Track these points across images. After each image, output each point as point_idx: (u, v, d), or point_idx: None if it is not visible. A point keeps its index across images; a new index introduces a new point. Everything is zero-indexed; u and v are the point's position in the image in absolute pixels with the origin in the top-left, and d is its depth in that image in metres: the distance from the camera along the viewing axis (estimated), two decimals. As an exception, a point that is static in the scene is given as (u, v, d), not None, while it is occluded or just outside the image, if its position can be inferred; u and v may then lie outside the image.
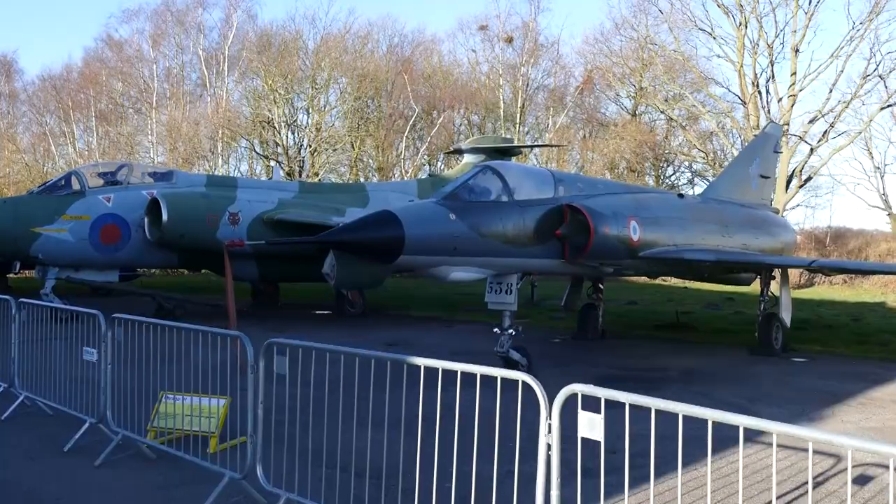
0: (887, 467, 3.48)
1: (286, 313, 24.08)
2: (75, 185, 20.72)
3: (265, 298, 26.49)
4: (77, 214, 20.24)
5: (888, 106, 43.73)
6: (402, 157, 56.21)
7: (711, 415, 3.78)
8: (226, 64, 55.35)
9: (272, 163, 53.90)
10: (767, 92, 43.68)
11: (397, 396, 5.53)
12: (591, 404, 4.34)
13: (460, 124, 59.32)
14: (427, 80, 58.05)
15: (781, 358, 15.86)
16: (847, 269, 20.61)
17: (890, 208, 60.06)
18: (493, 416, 4.86)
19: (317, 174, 52.70)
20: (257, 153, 56.78)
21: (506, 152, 29.81)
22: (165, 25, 56.91)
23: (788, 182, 42.41)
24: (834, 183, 68.57)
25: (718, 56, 47.19)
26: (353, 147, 54.58)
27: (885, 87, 42.66)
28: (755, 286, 22.09)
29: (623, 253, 13.98)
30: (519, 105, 55.92)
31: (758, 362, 15.31)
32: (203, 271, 28.54)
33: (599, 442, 4.20)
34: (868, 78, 41.89)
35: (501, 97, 56.21)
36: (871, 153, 60.19)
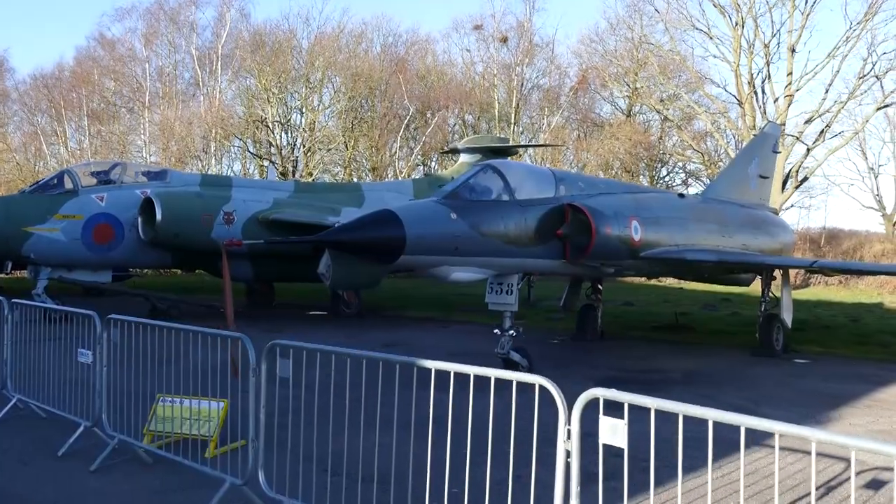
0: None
1: (281, 313, 23.87)
2: (68, 184, 20.48)
3: (259, 298, 26.27)
4: (70, 214, 20.00)
5: (885, 106, 43.74)
6: (397, 157, 55.98)
7: (744, 421, 3.60)
8: (219, 63, 55.04)
9: (265, 162, 53.61)
10: (763, 92, 43.71)
11: (406, 400, 5.34)
12: (607, 408, 4.18)
13: (454, 124, 59.15)
14: (421, 80, 57.86)
15: (783, 359, 15.74)
16: (848, 270, 20.53)
17: (884, 209, 60.17)
18: (507, 420, 4.69)
19: (310, 174, 52.46)
20: (251, 153, 56.49)
21: (502, 152, 29.64)
22: (158, 24, 56.58)
23: (784, 182, 42.34)
24: (828, 183, 68.41)
25: (714, 56, 47.28)
26: (346, 147, 54.35)
27: (882, 87, 42.73)
28: (753, 287, 22.11)
29: (624, 253, 13.83)
30: (513, 105, 55.74)
31: (759, 363, 15.19)
32: (197, 271, 28.27)
33: (623, 448, 4.02)
34: (864, 78, 41.88)
35: (496, 97, 56.03)
36: (864, 154, 60.35)
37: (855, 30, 40.86)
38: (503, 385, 4.82)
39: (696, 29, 44.78)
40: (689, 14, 44.82)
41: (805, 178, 44.44)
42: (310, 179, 49.19)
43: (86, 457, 7.81)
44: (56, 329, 9.42)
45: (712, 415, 3.73)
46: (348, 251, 11.24)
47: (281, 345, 5.99)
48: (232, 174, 52.52)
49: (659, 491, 6.28)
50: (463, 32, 62.15)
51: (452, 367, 4.95)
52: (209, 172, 47.06)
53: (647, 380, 13.23)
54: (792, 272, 18.79)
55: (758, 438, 7.65)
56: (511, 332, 12.55)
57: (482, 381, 4.92)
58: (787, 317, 16.04)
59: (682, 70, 50.73)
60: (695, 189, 52.61)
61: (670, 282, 34.08)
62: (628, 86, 55.51)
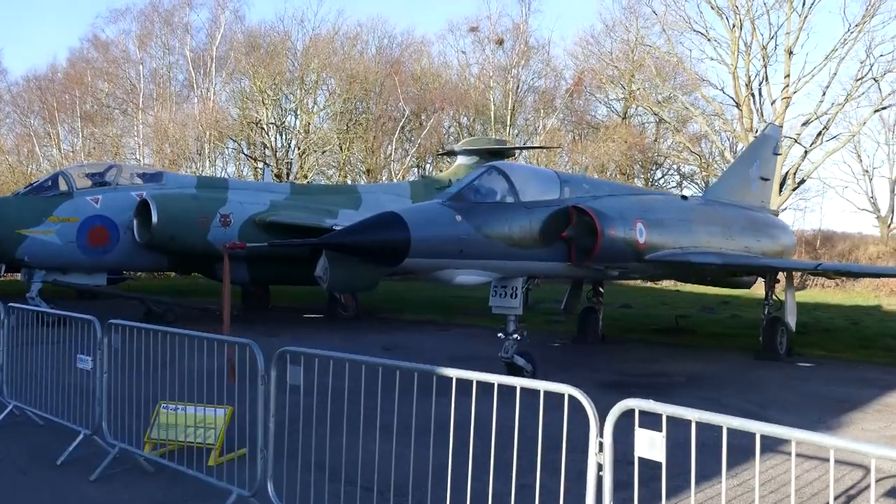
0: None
1: (277, 316, 23.63)
2: (62, 187, 20.21)
3: (255, 301, 26.04)
4: (64, 216, 19.72)
5: (883, 108, 43.74)
6: (392, 158, 55.75)
7: (794, 435, 3.42)
8: (213, 65, 54.73)
9: (260, 164, 53.34)
10: (761, 94, 43.64)
11: (425, 409, 5.15)
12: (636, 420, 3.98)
13: (449, 126, 58.93)
14: (417, 82, 57.64)
15: (786, 363, 15.60)
16: (851, 273, 20.42)
17: (878, 211, 60.23)
18: (532, 430, 4.50)
19: (305, 177, 52.21)
20: (245, 154, 56.21)
21: (499, 154, 29.50)
22: (152, 26, 56.18)
23: (782, 184, 42.28)
24: (823, 186, 68.59)
25: (711, 59, 47.10)
26: (341, 149, 54.11)
27: (879, 89, 42.69)
28: (750, 289, 22.00)
29: (630, 256, 13.65)
30: (509, 107, 55.57)
31: (763, 367, 15.04)
32: (193, 274, 28.00)
33: (660, 463, 3.84)
34: (861, 80, 41.84)
35: (492, 99, 55.85)
36: (859, 156, 60.42)
37: (853, 32, 40.86)
38: (541, 396, 4.61)
39: (694, 31, 44.75)
40: (688, 16, 44.76)
41: (802, 181, 44.40)
42: (304, 182, 48.90)
43: (85, 465, 7.60)
44: (52, 333, 9.21)
45: (757, 427, 3.55)
46: (352, 254, 11.05)
47: (291, 352, 5.79)
48: (226, 176, 52.21)
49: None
50: (458, 34, 62.00)
51: (475, 375, 4.76)
52: (203, 174, 46.75)
53: (652, 384, 13.08)
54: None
55: (773, 445, 7.50)
56: (515, 335, 12.39)
57: (507, 391, 4.75)
58: (791, 320, 15.93)
59: (678, 72, 50.66)
60: (689, 191, 52.58)
61: (666, 284, 33.90)
62: (623, 87, 55.42)
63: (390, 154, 55.65)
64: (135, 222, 20.22)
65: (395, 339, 18.17)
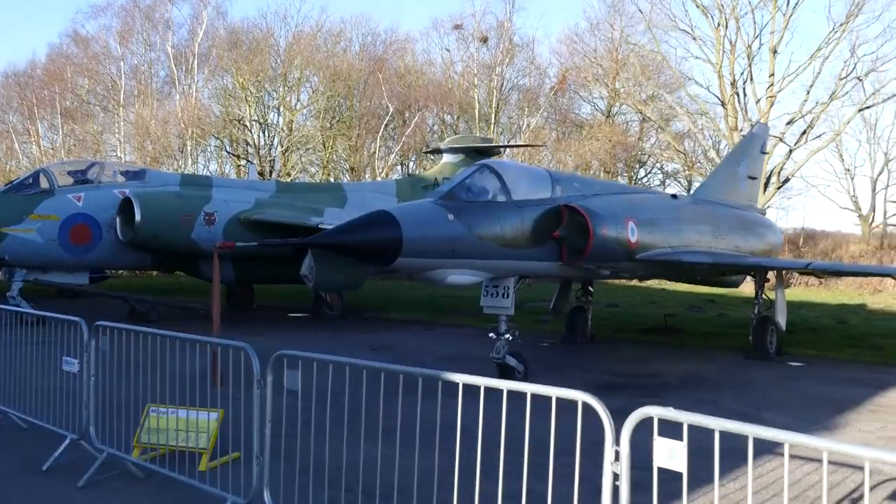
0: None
1: (262, 316, 23.37)
2: (44, 184, 19.88)
3: (240, 301, 25.75)
4: (46, 214, 19.41)
5: (867, 107, 43.97)
6: (376, 156, 55.45)
7: (829, 446, 3.28)
8: (195, 61, 54.20)
9: (243, 162, 52.91)
10: (745, 93, 43.73)
11: (428, 414, 4.97)
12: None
13: (433, 124, 58.73)
14: (400, 80, 57.36)
15: (777, 362, 15.56)
16: (842, 272, 20.41)
17: (860, 210, 60.62)
18: (541, 437, 4.35)
19: (288, 174, 51.86)
20: (228, 152, 55.75)
21: (484, 152, 29.38)
22: (133, 21, 55.58)
23: (766, 183, 42.38)
24: (805, 185, 69.01)
25: (696, 57, 47.16)
26: (325, 147, 53.78)
27: (863, 88, 42.89)
28: (739, 287, 21.98)
29: (621, 255, 13.55)
30: (493, 105, 55.43)
31: (754, 367, 14.97)
32: (176, 273, 27.68)
33: (681, 473, 3.69)
34: (845, 80, 42.02)
35: (476, 97, 55.68)
36: (841, 155, 60.78)
37: (837, 31, 41.01)
38: (553, 402, 4.46)
39: (679, 29, 44.73)
40: (673, 14, 44.74)
41: (787, 180, 44.56)
42: (288, 180, 48.57)
43: (72, 471, 7.38)
44: (35, 333, 8.94)
45: (784, 437, 3.41)
46: (343, 254, 10.88)
47: (288, 355, 5.61)
48: (208, 174, 51.75)
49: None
50: (443, 32, 61.75)
51: (483, 381, 4.60)
52: (185, 172, 46.32)
53: (645, 384, 12.98)
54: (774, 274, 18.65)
55: (769, 447, 7.40)
56: (507, 336, 12.30)
57: (515, 396, 4.60)
58: (782, 319, 15.88)
59: (662, 70, 50.70)
60: (672, 190, 52.63)
61: (652, 283, 33.78)
62: (607, 86, 55.38)
63: (374, 152, 55.34)
64: (118, 220, 19.94)
65: (382, 339, 18.00)
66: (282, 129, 54.11)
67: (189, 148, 51.74)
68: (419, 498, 5.04)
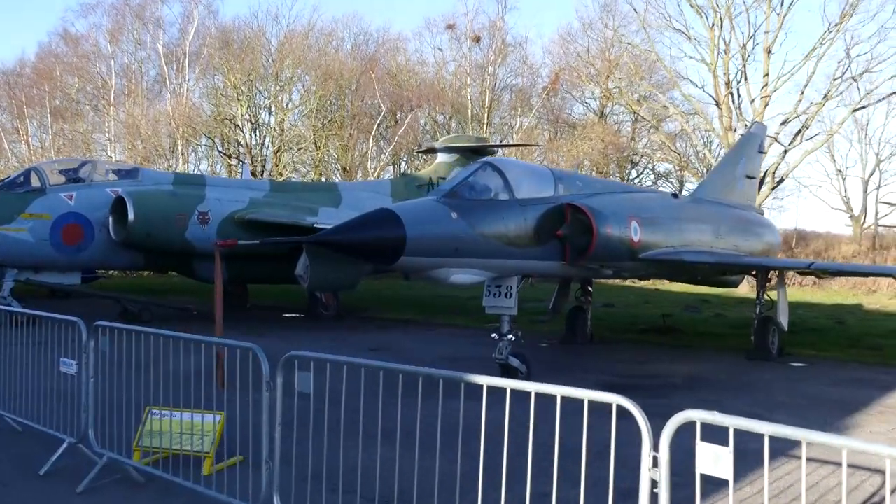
0: None
1: (256, 316, 23.12)
2: (35, 183, 19.58)
3: (234, 300, 25.43)
4: (37, 213, 19.12)
5: (862, 107, 43.94)
6: (369, 156, 55.20)
7: (890, 452, 3.11)
8: (186, 60, 53.86)
9: (234, 161, 52.60)
10: (738, 94, 43.65)
11: (451, 418, 4.78)
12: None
13: (425, 124, 58.50)
14: (393, 79, 57.13)
15: (779, 363, 15.43)
16: (844, 272, 20.32)
17: (851, 211, 60.73)
18: (572, 440, 4.17)
19: (280, 174, 51.57)
20: (220, 151, 55.40)
21: (479, 151, 29.20)
22: (124, 20, 55.18)
23: (760, 183, 42.30)
24: (798, 185, 69.11)
25: (690, 57, 47.01)
26: (316, 146, 53.48)
27: (858, 88, 42.86)
28: (731, 288, 21.86)
29: (624, 254, 13.37)
30: (486, 105, 55.24)
31: (757, 367, 14.83)
32: (168, 273, 27.39)
33: (727, 480, 3.51)
34: (839, 80, 41.96)
35: (469, 97, 55.48)
36: (833, 156, 60.86)
37: (831, 32, 40.94)
38: (585, 405, 4.27)
39: (674, 29, 44.56)
40: (668, 14, 44.58)
41: (781, 180, 44.50)
42: (280, 179, 48.28)
43: (71, 476, 7.16)
44: (27, 333, 8.70)
45: (841, 443, 3.23)
46: (345, 253, 10.67)
47: (299, 357, 5.41)
48: (198, 173, 51.42)
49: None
50: (435, 31, 61.58)
51: (509, 383, 4.41)
52: (176, 171, 45.99)
53: (648, 385, 12.80)
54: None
55: (783, 448, 7.27)
56: (510, 336, 12.12)
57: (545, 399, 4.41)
58: (784, 319, 15.75)
59: (656, 69, 50.63)
60: (665, 190, 52.51)
61: (646, 282, 33.76)
62: (600, 87, 55.25)
63: (367, 151, 55.08)
64: (110, 220, 19.66)
65: (381, 340, 17.83)
66: (273, 128, 53.81)
67: (180, 147, 51.40)
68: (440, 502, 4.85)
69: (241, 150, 53.57)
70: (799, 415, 10.53)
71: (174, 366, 6.95)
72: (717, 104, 43.30)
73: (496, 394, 4.60)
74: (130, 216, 19.05)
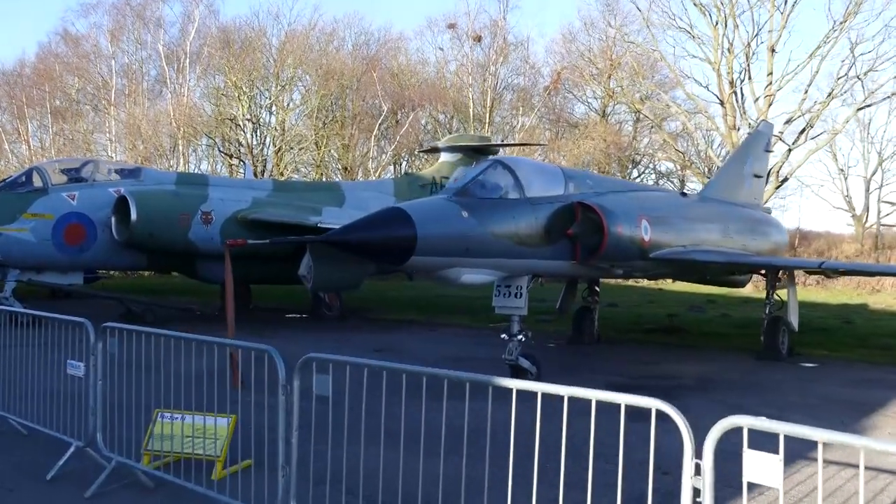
0: None
1: (259, 317, 22.95)
2: (37, 182, 19.40)
3: (236, 301, 25.24)
4: (39, 213, 18.95)
5: (866, 106, 43.75)
6: (370, 155, 55.01)
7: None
8: (187, 60, 53.66)
9: (235, 161, 52.41)
10: (742, 93, 43.51)
11: (478, 421, 4.62)
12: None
13: (426, 123, 58.34)
14: (394, 79, 56.96)
15: (789, 363, 15.28)
16: (856, 272, 20.15)
17: (853, 210, 60.54)
18: (608, 446, 4.01)
19: (281, 174, 51.39)
20: (221, 151, 55.21)
21: (482, 151, 29.07)
22: (124, 20, 54.99)
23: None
24: (799, 185, 68.92)
25: (693, 56, 46.85)
26: (317, 146, 53.32)
27: (863, 87, 42.69)
28: (738, 288, 21.69)
29: (635, 254, 13.20)
30: (487, 104, 55.07)
31: (768, 368, 14.69)
32: (170, 273, 27.24)
33: (777, 489, 3.35)
34: (843, 79, 41.85)
35: (470, 96, 55.29)
36: (835, 155, 60.66)
37: (836, 30, 40.77)
38: (621, 410, 4.11)
39: (678, 28, 44.38)
40: (672, 13, 44.40)
41: (785, 179, 44.35)
42: (281, 179, 48.11)
43: (79, 480, 7.00)
44: (30, 335, 8.54)
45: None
46: (355, 252, 10.52)
47: (318, 359, 5.24)
48: (200, 173, 51.24)
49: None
50: (436, 31, 61.41)
51: (540, 386, 4.25)
52: (177, 171, 45.79)
53: (660, 386, 12.63)
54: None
55: (800, 451, 7.10)
56: (520, 337, 11.94)
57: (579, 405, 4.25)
58: (794, 319, 15.58)
59: (660, 69, 50.49)
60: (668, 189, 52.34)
61: (647, 282, 33.60)
62: (602, 87, 55.07)
63: (369, 151, 54.90)
64: (113, 220, 19.50)
65: (385, 340, 17.67)
66: (274, 128, 53.64)
67: (181, 147, 51.24)
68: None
69: (242, 149, 53.40)
70: (814, 415, 10.38)
71: (185, 367, 6.79)
72: (721, 103, 43.14)
73: (514, 396, 4.46)
74: (133, 216, 18.89)
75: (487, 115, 54.91)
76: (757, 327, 17.16)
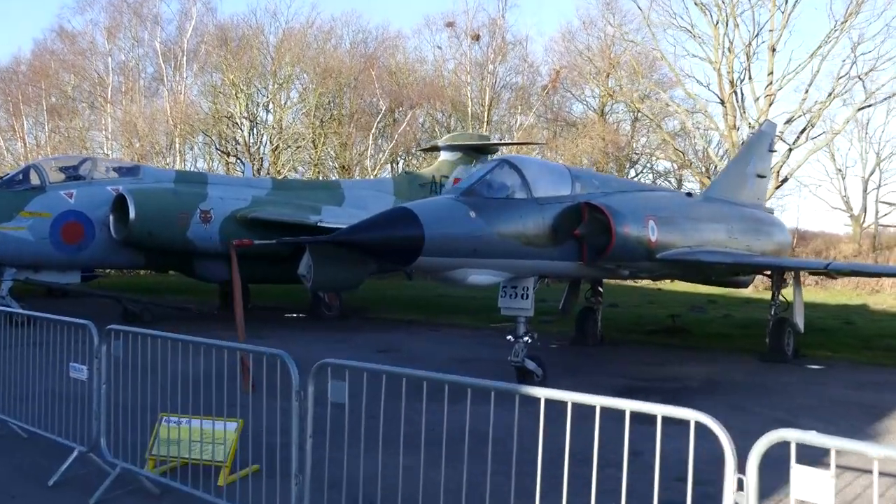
0: None
1: (258, 316, 22.73)
2: (34, 180, 19.20)
3: (235, 300, 25.10)
4: (37, 211, 18.76)
5: (867, 106, 43.66)
6: (368, 154, 54.81)
7: None
8: (184, 58, 53.38)
9: (232, 159, 52.20)
10: (742, 93, 43.40)
11: (503, 430, 4.46)
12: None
13: (424, 122, 58.18)
14: (392, 77, 56.78)
15: (795, 365, 15.15)
16: (863, 273, 20.03)
17: (851, 210, 60.55)
18: (644, 457, 3.86)
19: (279, 172, 51.19)
20: (218, 149, 54.97)
21: (482, 150, 29.01)
22: (121, 17, 54.66)
23: (765, 182, 41.98)
24: (798, 185, 68.98)
25: (693, 55, 46.73)
26: (314, 145, 53.12)
27: (864, 87, 42.61)
28: (739, 289, 21.55)
29: (642, 254, 13.06)
30: (486, 103, 54.92)
31: (774, 369, 14.56)
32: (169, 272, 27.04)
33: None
34: (844, 78, 41.75)
35: (469, 95, 55.13)
36: (833, 155, 60.65)
37: (838, 29, 40.66)
38: (658, 421, 3.96)
39: (679, 27, 44.22)
40: (673, 12, 44.25)
41: (785, 179, 44.23)
42: (279, 177, 47.91)
43: (82, 486, 6.83)
44: (29, 334, 8.35)
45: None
46: (362, 252, 10.36)
47: (333, 364, 5.08)
48: (199, 171, 51.00)
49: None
50: (435, 29, 61.23)
51: (570, 396, 4.09)
52: (174, 169, 45.56)
53: (665, 388, 12.51)
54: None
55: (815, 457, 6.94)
56: (526, 338, 11.83)
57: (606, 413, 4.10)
58: (800, 321, 15.45)
59: (659, 68, 50.39)
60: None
61: (647, 282, 33.46)
62: (600, 86, 54.93)
63: (366, 149, 54.70)
64: (111, 218, 19.31)
65: (387, 341, 17.51)
66: (272, 126, 53.44)
67: (177, 145, 50.98)
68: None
69: (239, 148, 53.18)
70: (825, 420, 10.25)
71: (191, 370, 6.63)
72: (722, 102, 43.02)
73: (533, 403, 4.32)
74: (132, 214, 18.72)
75: (485, 113, 54.76)
76: (760, 328, 17.05)
